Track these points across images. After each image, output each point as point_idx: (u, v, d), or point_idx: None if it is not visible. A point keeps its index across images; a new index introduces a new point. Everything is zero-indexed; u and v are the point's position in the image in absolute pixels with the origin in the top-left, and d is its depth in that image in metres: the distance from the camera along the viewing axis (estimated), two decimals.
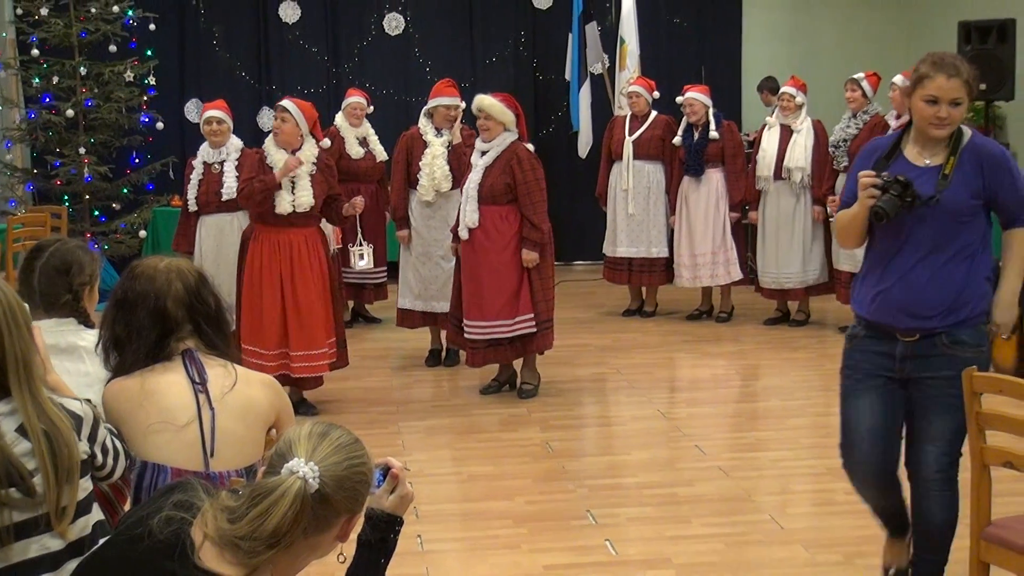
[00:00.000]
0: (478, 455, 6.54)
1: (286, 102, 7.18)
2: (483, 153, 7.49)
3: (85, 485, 2.78)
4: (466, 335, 7.57)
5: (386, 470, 2.66)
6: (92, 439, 2.84)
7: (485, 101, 7.43)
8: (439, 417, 7.28)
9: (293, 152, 7.08)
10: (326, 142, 7.17)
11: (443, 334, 8.56)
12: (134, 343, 3.21)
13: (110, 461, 2.94)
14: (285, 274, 7.06)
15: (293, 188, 7.04)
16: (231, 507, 2.28)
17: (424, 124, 8.42)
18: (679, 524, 5.40)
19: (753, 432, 6.97)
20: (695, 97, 9.69)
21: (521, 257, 7.40)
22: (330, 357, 7.24)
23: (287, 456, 2.32)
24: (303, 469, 2.29)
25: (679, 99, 9.83)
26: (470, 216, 7.43)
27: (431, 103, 8.40)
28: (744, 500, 5.71)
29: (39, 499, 2.64)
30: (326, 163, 7.26)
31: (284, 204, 7.04)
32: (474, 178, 7.45)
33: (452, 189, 8.23)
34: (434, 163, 8.25)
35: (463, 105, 8.46)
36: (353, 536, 2.55)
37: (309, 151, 7.12)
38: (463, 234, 7.50)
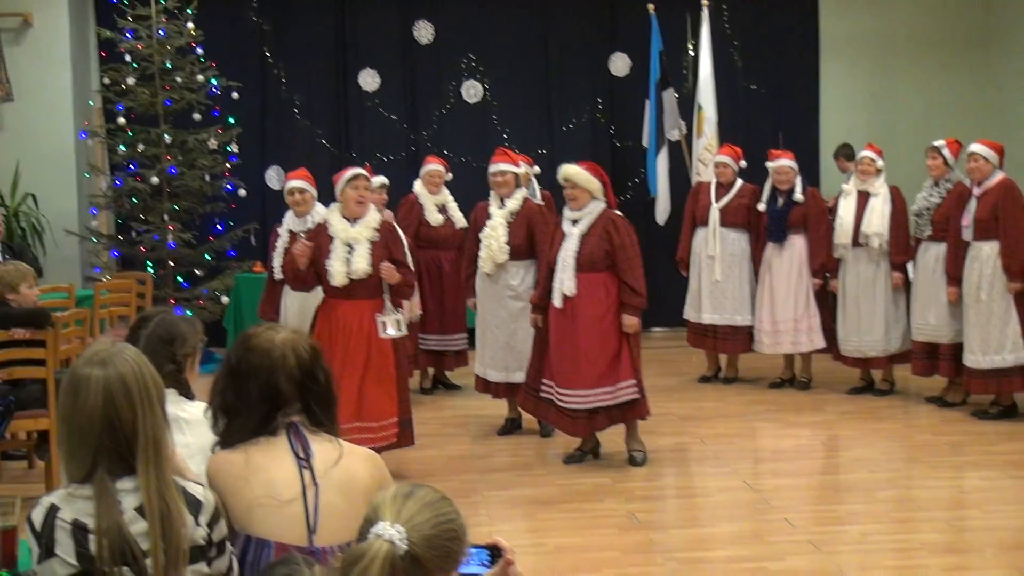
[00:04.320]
0: (562, 526, 6.48)
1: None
2: (575, 222, 7.47)
3: (198, 569, 2.76)
4: (562, 404, 7.46)
5: (493, 550, 2.62)
6: (211, 526, 2.82)
7: (571, 170, 7.45)
8: (521, 487, 7.23)
9: (354, 221, 7.07)
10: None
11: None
12: (243, 415, 3.23)
13: (225, 563, 2.88)
14: (344, 347, 6.94)
15: (350, 257, 7.00)
16: None
17: (492, 195, 8.46)
18: None
19: (841, 505, 6.86)
20: (788, 165, 9.67)
21: (620, 322, 7.37)
22: (387, 438, 7.04)
23: (374, 521, 2.29)
24: (389, 532, 2.25)
25: (769, 164, 9.77)
26: (567, 284, 7.37)
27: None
28: (836, 575, 5.61)
29: None
30: (389, 229, 7.17)
31: (339, 276, 6.98)
32: (570, 246, 7.41)
33: (512, 260, 8.24)
34: (491, 235, 8.25)
35: (517, 169, 8.44)
36: None
37: (371, 218, 7.06)
38: (556, 302, 7.44)
